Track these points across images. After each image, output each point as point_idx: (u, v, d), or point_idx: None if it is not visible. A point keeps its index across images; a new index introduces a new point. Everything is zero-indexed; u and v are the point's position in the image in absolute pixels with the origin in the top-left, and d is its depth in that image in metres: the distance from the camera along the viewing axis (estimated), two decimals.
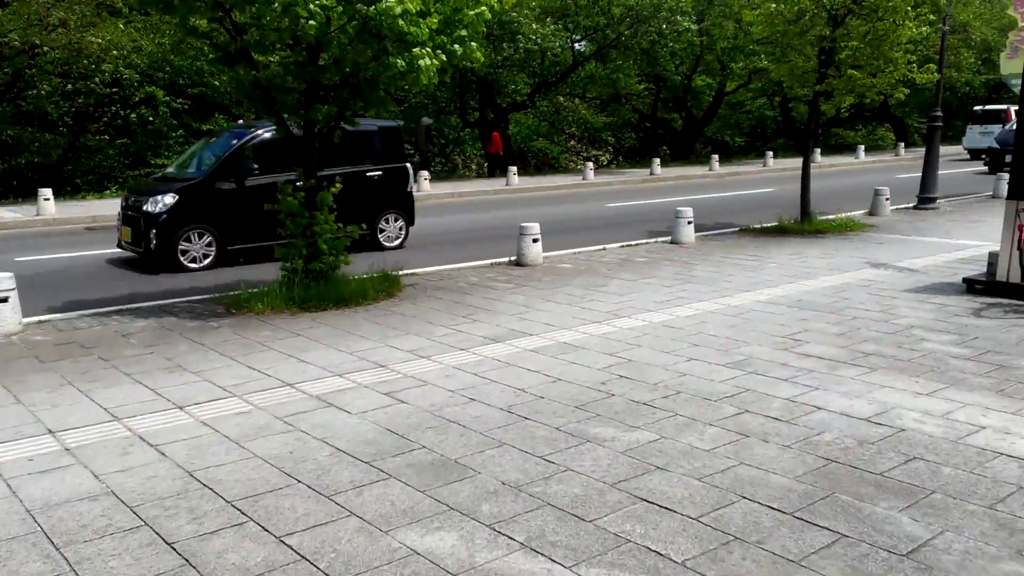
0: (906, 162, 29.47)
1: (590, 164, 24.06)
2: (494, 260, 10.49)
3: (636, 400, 5.12)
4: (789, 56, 12.74)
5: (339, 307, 7.86)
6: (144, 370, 5.92)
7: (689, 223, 11.36)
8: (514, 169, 22.25)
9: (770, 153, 27.50)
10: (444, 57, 6.80)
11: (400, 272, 9.25)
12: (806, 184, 12.48)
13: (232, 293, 8.26)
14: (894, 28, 11.17)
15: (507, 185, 21.47)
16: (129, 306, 8.09)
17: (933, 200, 14.33)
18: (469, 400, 5.20)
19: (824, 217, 12.92)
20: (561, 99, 30.92)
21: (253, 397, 5.34)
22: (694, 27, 25.77)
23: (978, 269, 8.88)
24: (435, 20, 6.78)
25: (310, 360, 6.13)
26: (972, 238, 11.18)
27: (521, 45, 22.89)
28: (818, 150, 28.32)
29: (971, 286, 7.88)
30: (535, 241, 10.03)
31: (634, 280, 8.97)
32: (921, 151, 33.14)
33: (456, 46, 6.94)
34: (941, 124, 14.55)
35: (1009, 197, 7.60)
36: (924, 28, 11.71)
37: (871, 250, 10.40)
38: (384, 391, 5.40)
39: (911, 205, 14.72)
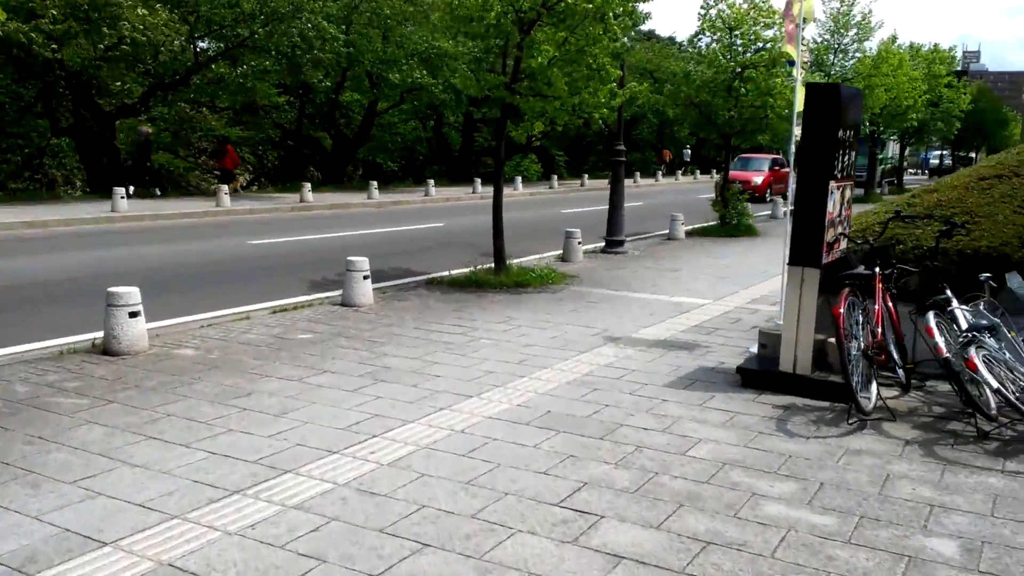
0: (559, 194, 29.73)
1: (224, 187, 19.90)
2: (69, 341, 6.70)
3: None
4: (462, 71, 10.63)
5: None
6: None
7: (365, 278, 8.49)
8: (121, 191, 17.34)
9: (431, 181, 25.66)
10: None
11: None
12: (499, 226, 10.24)
13: None
14: (596, 37, 9.42)
15: (114, 211, 16.71)
16: None
17: (621, 243, 13.10)
18: None
19: (520, 264, 10.85)
20: (184, 106, 26.14)
21: None
22: (341, 36, 22.98)
23: (720, 341, 7.27)
24: None
25: None
26: (684, 293, 9.78)
27: (126, 34, 18.13)
28: (478, 180, 27.15)
29: (746, 377, 6.05)
30: (133, 316, 6.42)
31: (298, 380, 5.86)
32: (571, 184, 33.99)
33: None
34: (625, 159, 13.44)
35: (792, 263, 5.87)
36: (623, 39, 10.17)
37: (589, 314, 8.41)
38: None
39: (598, 248, 13.36)
